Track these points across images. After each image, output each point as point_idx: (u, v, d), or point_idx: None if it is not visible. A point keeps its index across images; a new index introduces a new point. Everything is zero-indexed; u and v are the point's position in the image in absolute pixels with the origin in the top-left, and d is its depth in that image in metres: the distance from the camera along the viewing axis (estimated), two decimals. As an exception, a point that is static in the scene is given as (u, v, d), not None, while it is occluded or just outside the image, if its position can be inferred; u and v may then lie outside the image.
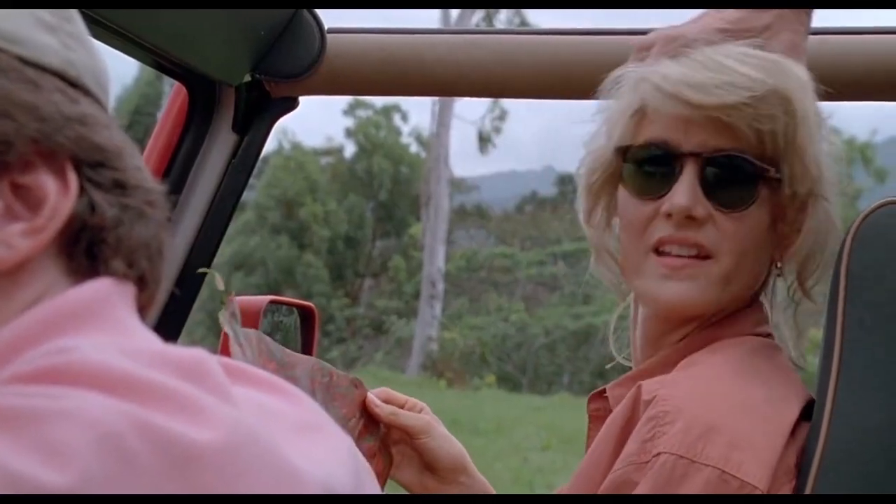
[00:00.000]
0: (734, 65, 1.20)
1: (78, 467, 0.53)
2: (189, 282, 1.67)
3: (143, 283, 0.72)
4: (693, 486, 1.07)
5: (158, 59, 1.56)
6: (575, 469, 1.22)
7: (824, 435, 1.14)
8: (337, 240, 24.51)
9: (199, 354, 0.64)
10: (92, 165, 0.68)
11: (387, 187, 25.57)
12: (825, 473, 1.13)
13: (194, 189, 1.67)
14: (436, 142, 23.11)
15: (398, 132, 26.80)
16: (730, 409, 1.13)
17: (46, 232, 0.66)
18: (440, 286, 22.00)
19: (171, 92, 1.72)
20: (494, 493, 1.46)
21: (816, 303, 1.29)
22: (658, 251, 1.23)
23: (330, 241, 24.33)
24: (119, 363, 0.59)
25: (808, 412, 1.19)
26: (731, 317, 1.26)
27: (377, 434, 1.36)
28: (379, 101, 24.20)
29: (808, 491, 1.13)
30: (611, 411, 1.23)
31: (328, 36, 1.66)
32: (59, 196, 0.66)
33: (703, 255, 1.22)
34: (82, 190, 0.68)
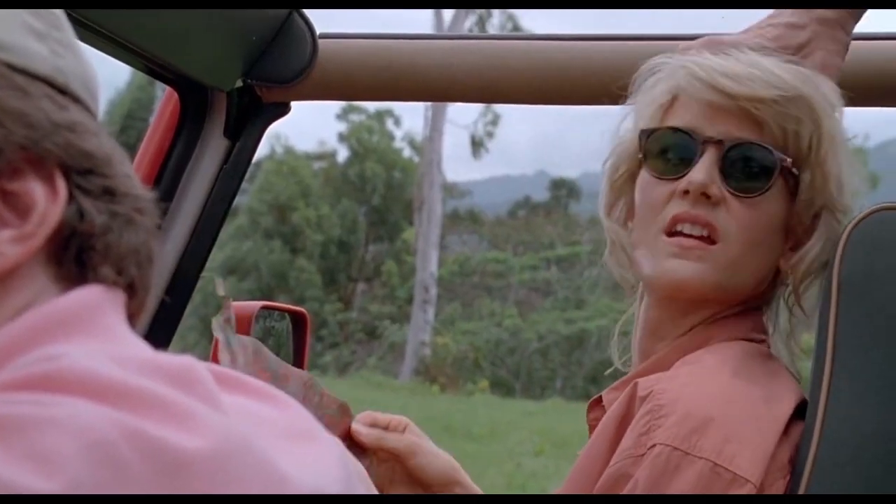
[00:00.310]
0: (770, 66, 1.25)
1: (67, 475, 0.53)
2: (180, 288, 1.67)
3: (132, 290, 0.71)
4: (686, 478, 1.09)
5: (150, 65, 1.56)
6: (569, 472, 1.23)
7: (816, 440, 1.15)
8: (330, 244, 24.50)
9: (188, 362, 0.64)
10: (81, 172, 0.68)
11: (380, 192, 25.57)
12: (818, 477, 1.14)
13: (186, 195, 1.67)
14: (429, 146, 23.13)
15: (391, 137, 26.82)
16: (724, 403, 1.14)
17: (35, 239, 0.66)
18: (433, 291, 22.01)
19: (163, 97, 1.71)
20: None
21: (806, 312, 1.31)
22: (670, 233, 1.25)
23: (323, 246, 24.33)
24: (108, 370, 0.59)
25: (801, 411, 1.21)
26: (729, 318, 1.28)
27: (365, 456, 1.36)
28: (372, 105, 24.24)
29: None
30: None
31: (320, 41, 1.66)
32: (47, 203, 0.66)
33: (712, 240, 1.24)
34: (71, 197, 0.68)
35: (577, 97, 1.59)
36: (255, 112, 1.69)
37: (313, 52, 1.65)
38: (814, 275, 1.29)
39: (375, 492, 1.10)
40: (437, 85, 1.66)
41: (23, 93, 0.66)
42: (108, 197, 0.69)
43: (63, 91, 0.69)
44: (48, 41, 0.69)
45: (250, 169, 1.74)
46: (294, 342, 1.70)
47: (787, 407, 1.19)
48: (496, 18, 24.23)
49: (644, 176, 1.30)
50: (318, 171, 25.99)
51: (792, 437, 1.18)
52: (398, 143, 27.05)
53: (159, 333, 1.63)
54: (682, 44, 1.36)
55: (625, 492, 1.12)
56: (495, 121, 25.18)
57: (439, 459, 1.41)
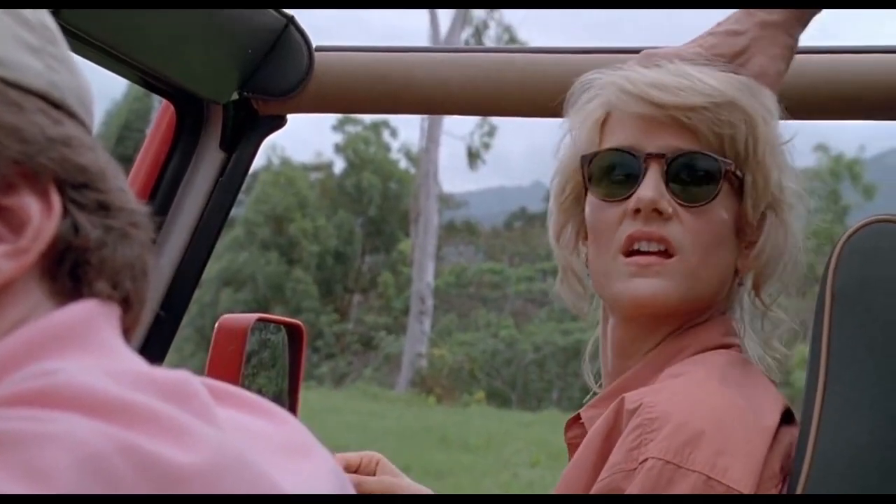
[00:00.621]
0: (699, 75, 1.26)
1: (62, 490, 0.53)
2: (176, 300, 1.67)
3: (127, 305, 0.71)
4: (679, 492, 1.10)
5: (146, 77, 1.56)
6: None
7: (811, 451, 1.15)
8: (326, 255, 24.50)
9: (183, 376, 0.64)
10: (75, 187, 0.68)
11: (376, 203, 25.58)
12: (813, 488, 1.14)
13: (182, 207, 1.67)
14: (425, 158, 23.14)
15: (387, 148, 26.85)
16: (715, 415, 1.15)
17: (30, 254, 0.66)
18: (429, 302, 22.00)
19: (159, 109, 1.71)
20: None
21: (768, 306, 1.34)
22: (626, 252, 1.25)
23: (319, 257, 24.32)
24: (103, 385, 0.59)
25: (786, 417, 1.22)
26: (698, 326, 1.29)
27: None
28: (368, 117, 24.21)
29: (795, 509, 1.14)
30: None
31: (316, 54, 1.66)
32: (42, 218, 0.66)
33: (669, 253, 1.25)
34: (66, 211, 0.67)
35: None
36: (251, 125, 1.69)
37: (309, 65, 1.65)
38: (771, 271, 1.31)
39: None
40: (433, 98, 1.66)
41: (17, 108, 0.66)
42: (103, 211, 0.69)
43: (58, 106, 0.69)
44: (43, 56, 0.69)
45: (247, 180, 1.74)
46: (290, 354, 1.70)
47: (774, 415, 1.20)
48: (493, 31, 24.29)
49: (592, 200, 1.30)
50: (314, 182, 26.00)
51: (781, 444, 1.19)
52: (394, 155, 27.11)
53: (155, 346, 1.63)
54: (624, 59, 1.36)
55: None
56: (491, 132, 25.24)
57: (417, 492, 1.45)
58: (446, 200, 26.72)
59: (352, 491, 0.73)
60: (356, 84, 1.67)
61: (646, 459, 1.11)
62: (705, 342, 1.27)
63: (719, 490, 1.10)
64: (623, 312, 1.29)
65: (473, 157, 25.32)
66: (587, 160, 1.30)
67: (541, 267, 22.31)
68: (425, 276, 21.90)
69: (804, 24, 1.34)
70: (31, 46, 0.69)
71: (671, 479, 1.10)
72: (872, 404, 1.15)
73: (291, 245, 23.99)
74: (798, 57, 1.49)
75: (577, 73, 1.35)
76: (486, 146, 25.50)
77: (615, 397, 1.24)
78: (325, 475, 0.69)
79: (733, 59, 1.30)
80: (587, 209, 1.31)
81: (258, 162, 1.74)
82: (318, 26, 1.69)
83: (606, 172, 1.28)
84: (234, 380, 1.55)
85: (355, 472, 1.45)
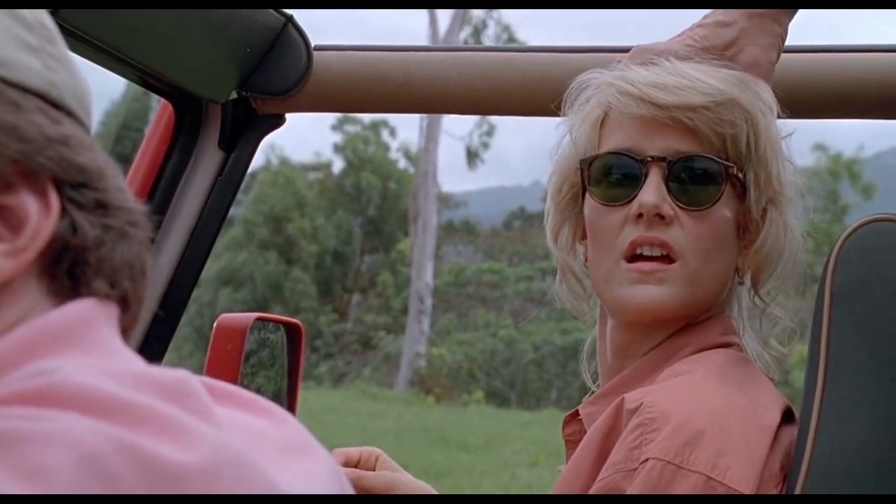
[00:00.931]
0: (697, 74, 1.25)
1: (60, 490, 0.53)
2: (175, 300, 1.67)
3: (125, 304, 0.71)
4: (679, 493, 1.09)
5: (145, 77, 1.56)
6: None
7: (809, 452, 1.15)
8: (325, 255, 24.51)
9: (182, 375, 0.64)
10: (74, 186, 0.68)
11: (375, 203, 25.59)
12: (811, 489, 1.14)
13: (180, 206, 1.66)
14: (424, 157, 23.14)
15: (386, 148, 26.86)
16: (715, 415, 1.14)
17: (28, 253, 0.66)
18: (428, 302, 22.00)
19: (158, 109, 1.71)
20: None
21: (767, 303, 1.33)
22: (629, 258, 1.25)
23: (318, 257, 24.33)
24: (102, 384, 0.59)
25: (786, 417, 1.21)
26: (698, 325, 1.28)
27: None
28: (367, 116, 24.24)
29: (794, 509, 1.14)
30: (586, 432, 1.24)
31: (315, 53, 1.66)
32: (40, 217, 0.66)
33: (670, 259, 1.24)
34: (64, 211, 0.67)
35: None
36: (249, 124, 1.69)
37: (308, 64, 1.65)
38: (771, 267, 1.30)
39: None
40: (432, 97, 1.66)
41: (16, 107, 0.66)
42: (101, 210, 0.69)
43: (56, 105, 0.69)
44: (41, 55, 0.69)
45: (245, 180, 1.74)
46: (289, 354, 1.70)
47: (774, 414, 1.20)
48: (491, 30, 24.30)
49: (592, 203, 1.29)
50: (313, 181, 26.01)
51: (782, 444, 1.18)
52: (393, 154, 27.13)
53: (153, 346, 1.63)
54: (622, 58, 1.35)
55: None
56: (490, 132, 25.25)
57: (418, 490, 1.44)
58: (445, 200, 26.73)
59: (350, 490, 0.73)
60: (355, 83, 1.67)
61: (646, 460, 1.10)
62: (705, 341, 1.27)
63: (720, 491, 1.09)
64: (625, 318, 1.28)
65: (472, 156, 25.34)
66: (587, 163, 1.29)
67: (540, 266, 22.32)
68: (424, 276, 21.91)
69: (792, 13, 1.33)
70: (30, 46, 0.69)
71: (672, 479, 1.09)
72: (872, 404, 1.15)
73: (290, 245, 23.99)
74: (797, 56, 1.49)
75: (577, 72, 1.34)
76: (485, 146, 25.53)
77: (614, 395, 1.24)
78: (323, 474, 0.69)
79: (725, 50, 1.29)
80: (586, 211, 1.31)
81: (257, 161, 1.74)
82: (317, 25, 1.69)
83: (606, 176, 1.27)
84: (232, 379, 1.55)
85: (355, 466, 1.45)
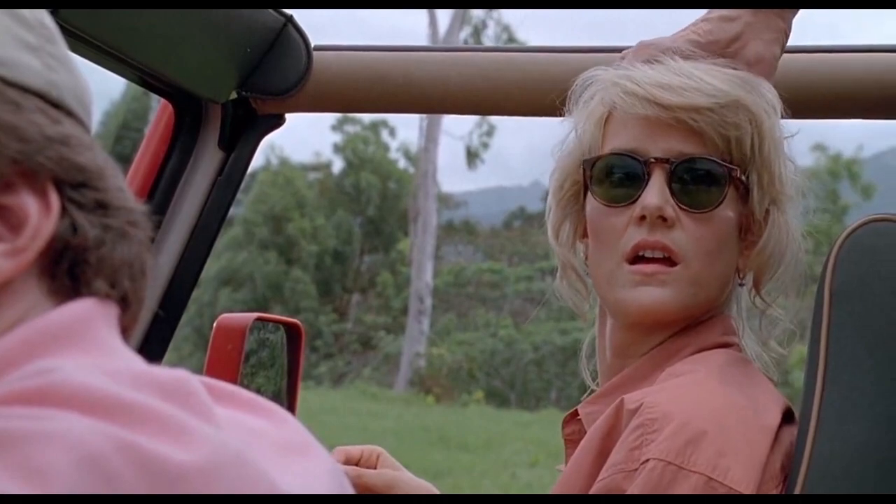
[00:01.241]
0: (702, 75, 1.25)
1: (60, 489, 0.53)
2: (175, 299, 1.67)
3: (125, 304, 0.71)
4: (680, 493, 1.09)
5: (145, 77, 1.56)
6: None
7: (808, 452, 1.15)
8: (325, 255, 24.50)
9: (181, 375, 0.64)
10: (74, 186, 0.68)
11: (375, 203, 25.59)
12: (810, 490, 1.14)
13: (180, 206, 1.67)
14: (424, 157, 23.13)
15: (386, 148, 26.85)
16: (716, 415, 1.14)
17: (28, 253, 0.66)
18: (428, 302, 21.99)
19: (158, 109, 1.71)
20: None
21: (771, 305, 1.33)
22: (631, 260, 1.24)
23: (318, 257, 24.33)
24: (101, 384, 0.59)
25: (787, 417, 1.21)
26: (698, 326, 1.28)
27: None
28: (367, 116, 24.23)
29: (793, 508, 1.14)
30: (585, 432, 1.24)
31: (315, 53, 1.66)
32: (40, 217, 0.66)
33: (672, 262, 1.24)
34: (64, 210, 0.67)
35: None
36: (249, 124, 1.69)
37: (308, 64, 1.65)
38: (773, 268, 1.30)
39: None
40: (432, 97, 1.66)
41: (15, 107, 0.66)
42: (101, 210, 0.69)
43: (56, 105, 0.69)
44: (41, 55, 0.69)
45: (245, 180, 1.74)
46: (289, 354, 1.70)
47: (775, 415, 1.20)
48: (491, 30, 24.29)
49: (594, 203, 1.29)
50: (313, 181, 26.01)
51: (782, 444, 1.18)
52: (393, 154, 27.12)
53: (153, 345, 1.63)
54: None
55: None
56: (490, 132, 25.24)
57: (418, 489, 1.44)
58: (445, 200, 26.73)
59: (351, 490, 0.74)
60: (355, 83, 1.67)
61: (647, 460, 1.10)
62: (705, 341, 1.27)
63: (721, 491, 1.09)
64: (626, 319, 1.28)
65: (472, 156, 25.33)
66: (590, 163, 1.28)
67: (539, 266, 22.31)
68: (424, 276, 21.90)
69: (796, 8, 1.33)
70: (30, 45, 0.69)
71: (672, 480, 1.09)
72: (872, 404, 1.15)
73: (290, 245, 23.99)
74: (798, 56, 1.49)
75: (577, 72, 1.34)
76: (485, 146, 25.52)
77: (614, 394, 1.24)
78: (323, 474, 0.69)
79: (729, 45, 1.29)
80: (588, 211, 1.30)
81: (256, 161, 1.75)
82: (317, 25, 1.69)
83: (609, 176, 1.27)
84: (232, 379, 1.55)
85: (356, 464, 1.45)
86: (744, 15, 1.30)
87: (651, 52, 1.28)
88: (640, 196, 1.24)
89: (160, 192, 1.66)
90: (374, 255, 26.13)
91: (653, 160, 1.24)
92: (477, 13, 23.89)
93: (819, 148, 20.84)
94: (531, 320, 20.60)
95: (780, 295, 1.33)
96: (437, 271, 23.27)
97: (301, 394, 1.72)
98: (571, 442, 1.32)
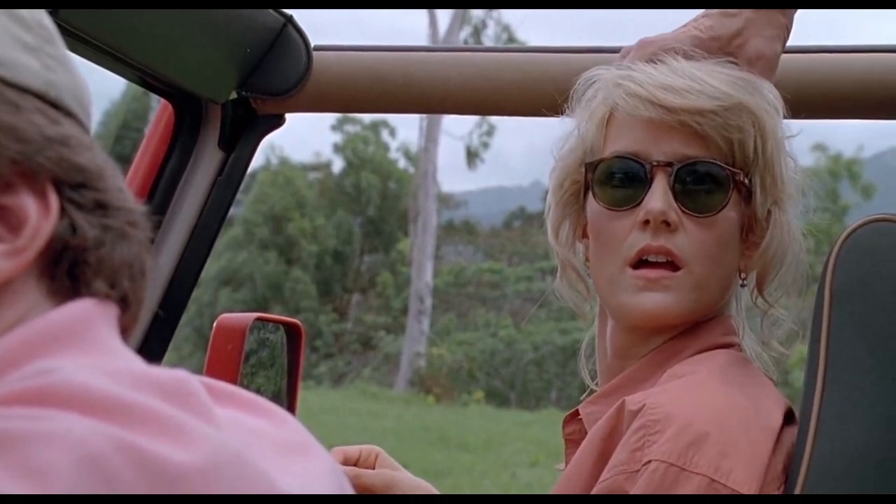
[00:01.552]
0: (705, 76, 1.24)
1: (60, 490, 0.53)
2: (175, 299, 1.67)
3: (125, 304, 0.71)
4: (683, 494, 1.09)
5: (144, 77, 1.56)
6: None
7: (808, 453, 1.15)
8: (325, 255, 24.51)
9: (181, 375, 0.64)
10: (73, 186, 0.68)
11: (375, 203, 25.59)
12: (810, 490, 1.14)
13: (180, 206, 1.67)
14: (424, 157, 23.13)
15: (386, 148, 26.86)
16: (718, 417, 1.14)
17: (27, 253, 0.66)
18: (428, 301, 21.99)
19: (158, 109, 1.71)
20: None
21: (773, 306, 1.33)
22: (634, 265, 1.24)
23: (318, 257, 24.33)
24: (101, 384, 0.59)
25: (788, 418, 1.21)
26: (698, 327, 1.28)
27: None
28: (367, 116, 24.23)
29: (794, 509, 1.14)
30: (586, 433, 1.24)
31: (315, 53, 1.66)
32: (40, 217, 0.66)
33: (675, 266, 1.23)
34: (63, 211, 0.68)
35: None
36: (249, 124, 1.69)
37: (308, 64, 1.65)
38: (776, 268, 1.30)
39: None
40: (432, 97, 1.66)
41: (15, 107, 0.66)
42: (101, 211, 0.69)
43: (55, 105, 0.69)
44: (40, 55, 0.69)
45: (245, 180, 1.74)
46: (289, 354, 1.70)
47: (777, 416, 1.19)
48: (491, 30, 24.30)
49: (596, 206, 1.28)
50: (313, 181, 26.02)
51: (784, 445, 1.18)
52: (393, 154, 27.13)
53: (153, 346, 1.63)
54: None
55: None
56: (490, 132, 25.24)
57: (417, 489, 1.44)
58: (445, 200, 26.74)
59: (350, 491, 0.73)
60: (355, 83, 1.67)
61: (649, 461, 1.10)
62: (706, 342, 1.27)
63: (723, 493, 1.09)
64: (629, 324, 1.28)
65: (472, 156, 25.34)
66: (592, 166, 1.28)
67: (539, 266, 22.32)
68: (424, 276, 21.90)
69: (797, 8, 1.33)
70: (28, 45, 0.69)
71: (675, 481, 1.09)
72: (872, 404, 1.15)
73: (290, 245, 24.00)
74: (799, 56, 1.49)
75: (577, 72, 1.34)
76: (485, 146, 25.53)
77: (615, 395, 1.23)
78: (323, 474, 0.69)
79: (730, 41, 1.28)
80: (589, 213, 1.30)
81: (257, 161, 1.75)
82: (317, 25, 1.69)
83: (611, 179, 1.26)
84: (232, 379, 1.55)
85: (354, 464, 1.45)
86: (745, 11, 1.30)
87: (653, 51, 1.28)
88: (643, 200, 1.23)
89: (160, 192, 1.66)
90: (374, 255, 26.14)
91: (655, 163, 1.23)
92: (477, 13, 23.91)
93: (819, 148, 20.86)
94: (529, 319, 20.57)
95: (783, 295, 1.33)
96: (438, 271, 23.27)
97: (301, 394, 1.72)
98: (572, 442, 1.32)
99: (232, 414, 0.66)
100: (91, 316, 0.68)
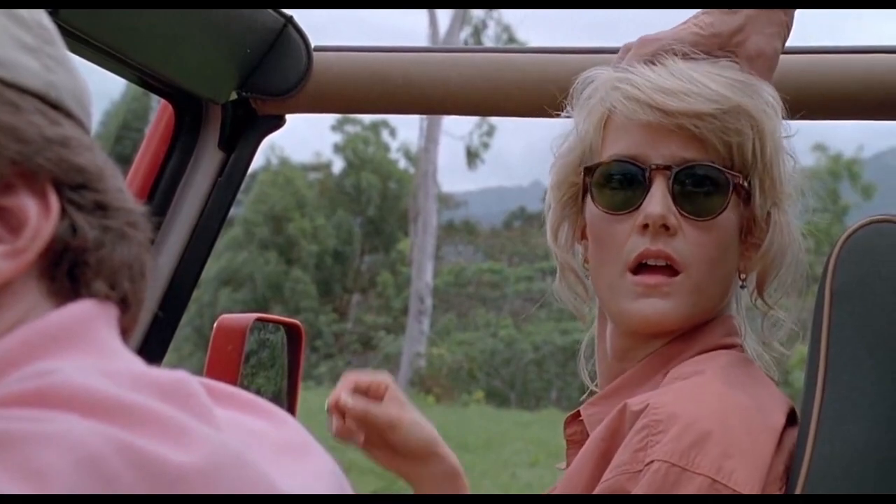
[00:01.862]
0: (703, 79, 1.23)
1: (60, 490, 0.53)
2: (175, 300, 1.67)
3: (125, 305, 0.71)
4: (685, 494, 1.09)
5: (145, 77, 1.56)
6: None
7: (809, 453, 1.15)
8: (325, 255, 24.51)
9: (181, 376, 0.64)
10: (73, 187, 0.68)
11: (375, 203, 25.60)
12: (811, 491, 1.14)
13: (180, 207, 1.66)
14: (424, 157, 23.12)
15: (386, 148, 26.87)
16: (721, 417, 1.14)
17: (28, 254, 0.66)
18: (428, 301, 21.98)
19: (158, 109, 1.71)
20: (463, 473, 1.48)
21: (773, 307, 1.32)
22: (634, 270, 1.24)
23: (318, 257, 24.34)
24: (101, 386, 0.59)
25: (791, 418, 1.21)
26: (698, 329, 1.28)
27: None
28: (367, 117, 24.19)
29: (794, 509, 1.14)
30: (587, 434, 1.24)
31: (315, 54, 1.66)
32: (40, 218, 0.66)
33: (674, 271, 1.23)
34: (63, 212, 0.68)
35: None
36: (249, 124, 1.69)
37: (308, 65, 1.65)
38: (776, 269, 1.30)
39: None
40: (432, 97, 1.66)
41: (14, 108, 0.66)
42: (101, 212, 0.69)
43: (55, 106, 0.69)
44: (40, 56, 0.69)
45: (245, 180, 1.74)
46: (289, 354, 1.70)
47: (779, 416, 1.19)
48: (491, 30, 24.29)
49: (594, 210, 1.28)
50: (313, 182, 26.02)
51: (786, 445, 1.18)
52: (393, 155, 27.15)
53: (153, 346, 1.63)
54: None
55: None
56: (490, 132, 25.24)
57: (418, 433, 1.43)
58: (445, 200, 26.74)
59: (350, 491, 0.73)
60: (355, 84, 1.66)
61: (651, 461, 1.10)
62: (708, 343, 1.26)
63: (724, 493, 1.09)
64: (628, 329, 1.28)
65: (472, 156, 25.33)
66: (590, 170, 1.28)
67: (540, 266, 22.32)
68: (424, 276, 21.89)
69: (795, 8, 1.32)
70: (28, 46, 0.69)
71: (677, 481, 1.09)
72: (871, 404, 1.15)
73: (290, 245, 24.00)
74: (798, 57, 1.49)
75: (577, 72, 1.34)
76: (485, 146, 25.52)
77: (615, 396, 1.23)
78: (323, 475, 0.69)
79: (731, 38, 1.28)
80: (588, 216, 1.29)
81: (257, 162, 1.74)
82: (317, 25, 1.69)
83: (610, 184, 1.26)
84: (232, 380, 1.55)
85: (364, 394, 1.41)
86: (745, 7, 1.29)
87: (653, 50, 1.27)
88: (641, 203, 1.23)
89: (160, 192, 1.66)
90: (374, 255, 26.14)
91: (654, 167, 1.23)
92: (477, 13, 23.90)
93: (819, 148, 20.86)
94: (528, 318, 20.56)
95: (783, 296, 1.32)
96: (438, 271, 23.27)
97: (301, 394, 1.72)
98: (574, 443, 1.31)
99: (232, 415, 0.66)
100: (91, 317, 0.68)
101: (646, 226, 1.23)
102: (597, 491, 1.14)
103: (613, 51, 1.49)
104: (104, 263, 0.69)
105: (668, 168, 1.23)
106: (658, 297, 1.23)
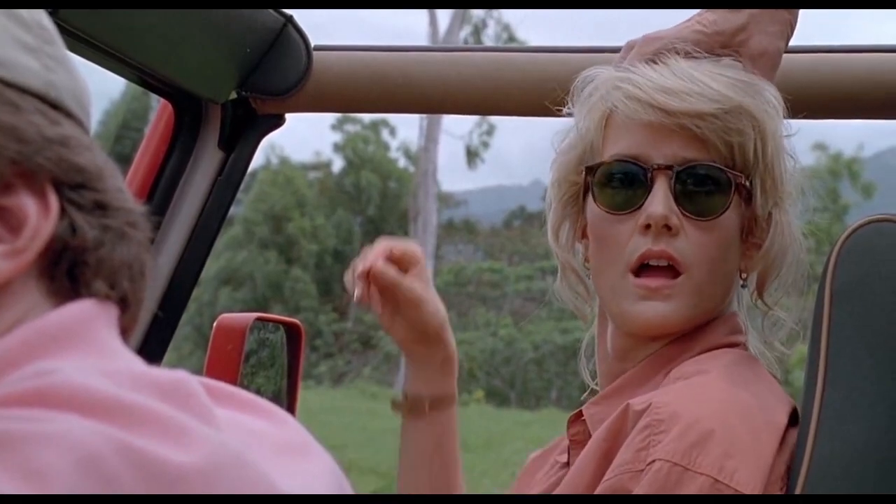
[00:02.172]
0: (704, 79, 1.23)
1: (59, 490, 0.53)
2: (175, 299, 1.67)
3: (125, 304, 0.71)
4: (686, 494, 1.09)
5: (144, 77, 1.56)
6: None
7: (809, 453, 1.15)
8: (325, 254, 24.50)
9: (181, 376, 0.64)
10: (73, 187, 0.68)
11: (375, 202, 25.60)
12: (811, 490, 1.14)
13: (180, 206, 1.66)
14: (424, 157, 23.14)
15: (386, 147, 26.87)
16: (723, 417, 1.14)
17: (27, 254, 0.66)
18: (428, 301, 21.94)
19: (158, 109, 1.71)
20: (456, 357, 1.53)
21: (772, 307, 1.32)
22: (635, 271, 1.24)
23: (318, 256, 24.33)
24: (101, 385, 0.59)
25: (793, 417, 1.21)
26: (701, 328, 1.27)
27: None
28: (367, 116, 24.20)
29: (794, 509, 1.14)
30: (590, 434, 1.24)
31: (315, 53, 1.66)
32: (39, 218, 0.66)
33: (675, 272, 1.23)
34: (63, 211, 0.68)
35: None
36: (249, 124, 1.69)
37: (308, 64, 1.65)
38: (777, 269, 1.30)
39: None
40: (432, 97, 1.66)
41: (14, 107, 0.66)
42: (100, 211, 0.69)
43: (55, 106, 0.69)
44: (40, 56, 0.69)
45: (245, 179, 1.74)
46: (289, 353, 1.70)
47: (782, 416, 1.19)
48: (491, 29, 24.30)
49: (596, 210, 1.27)
50: (313, 181, 26.02)
51: (788, 445, 1.18)
52: (393, 154, 27.14)
53: (153, 346, 1.63)
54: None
55: None
56: (490, 131, 25.25)
57: (438, 314, 1.45)
58: (445, 199, 26.76)
59: (350, 491, 0.73)
60: (355, 83, 1.67)
61: (653, 461, 1.10)
62: (710, 342, 1.26)
63: (726, 493, 1.09)
64: (630, 330, 1.28)
65: (472, 155, 25.34)
66: (592, 169, 1.27)
67: (540, 266, 22.31)
68: (424, 275, 21.86)
69: (797, 8, 1.32)
70: (28, 46, 0.69)
71: (678, 481, 1.09)
72: (871, 404, 1.15)
73: (290, 244, 24.00)
74: (799, 56, 1.49)
75: (577, 72, 1.34)
76: (485, 145, 25.54)
77: (617, 396, 1.23)
78: (323, 475, 0.69)
79: (734, 36, 1.27)
80: (589, 216, 1.29)
81: (256, 161, 1.74)
82: (317, 25, 1.69)
83: (611, 184, 1.26)
84: (232, 379, 1.55)
85: (396, 263, 1.40)
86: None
87: (656, 48, 1.27)
88: (643, 204, 1.23)
89: (160, 192, 1.66)
90: (374, 254, 26.08)
91: (656, 167, 1.23)
92: (477, 13, 23.91)
93: (819, 147, 20.86)
94: (529, 320, 20.57)
95: (783, 295, 1.32)
96: (438, 270, 23.26)
97: (301, 393, 1.72)
98: (576, 443, 1.31)
99: (232, 415, 0.66)
100: (91, 316, 0.68)
101: (648, 226, 1.22)
102: (599, 490, 1.14)
103: (614, 50, 1.49)
104: (104, 263, 0.69)
105: (669, 168, 1.23)
106: (660, 299, 1.23)
